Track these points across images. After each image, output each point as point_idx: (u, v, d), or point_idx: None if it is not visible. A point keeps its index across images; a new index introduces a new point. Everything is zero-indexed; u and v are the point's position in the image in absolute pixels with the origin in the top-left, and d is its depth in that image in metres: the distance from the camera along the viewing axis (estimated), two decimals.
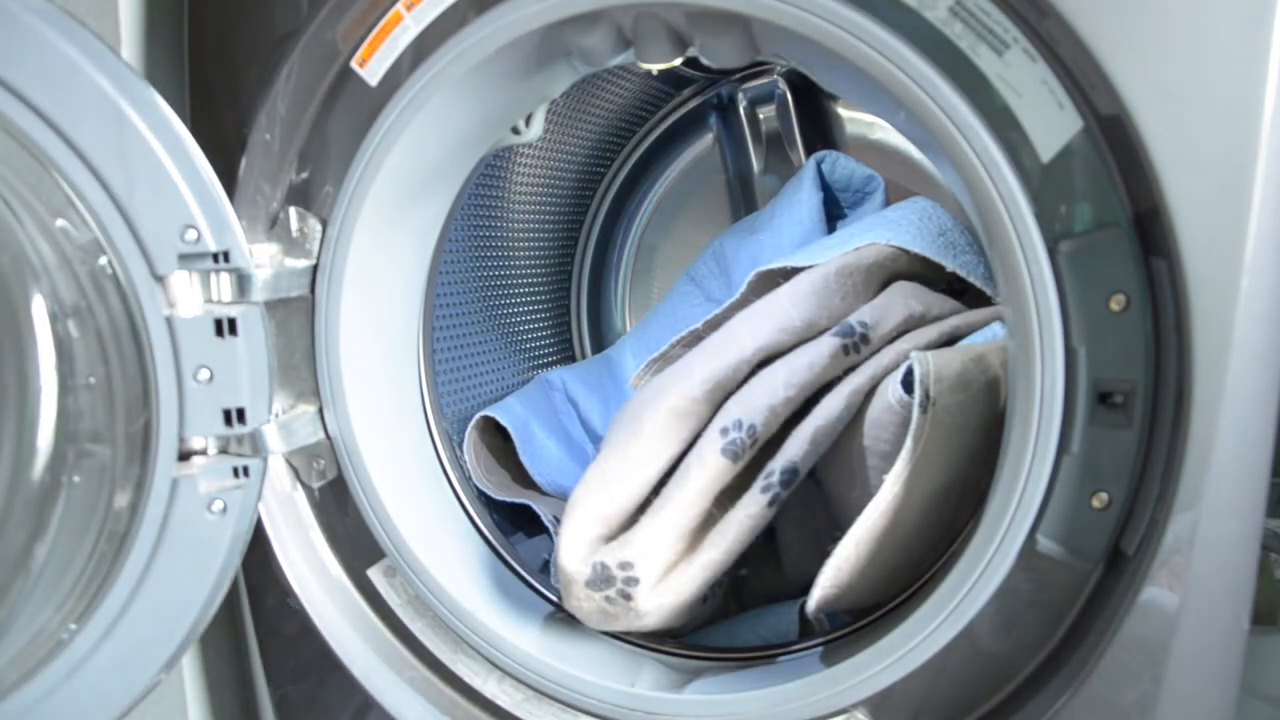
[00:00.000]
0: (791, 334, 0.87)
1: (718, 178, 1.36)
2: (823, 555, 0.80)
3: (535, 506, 1.04)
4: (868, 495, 0.77)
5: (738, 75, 1.33)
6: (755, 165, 1.26)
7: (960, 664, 0.68)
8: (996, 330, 0.85)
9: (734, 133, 1.34)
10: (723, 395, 0.86)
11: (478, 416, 1.07)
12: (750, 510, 0.82)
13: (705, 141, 1.37)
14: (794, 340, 0.87)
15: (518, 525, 1.05)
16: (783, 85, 1.31)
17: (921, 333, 0.88)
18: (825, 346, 0.85)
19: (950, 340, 0.88)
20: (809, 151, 1.26)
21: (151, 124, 0.72)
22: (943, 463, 0.75)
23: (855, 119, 1.29)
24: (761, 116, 1.25)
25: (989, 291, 0.91)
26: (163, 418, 0.76)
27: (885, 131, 1.28)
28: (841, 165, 1.19)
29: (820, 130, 1.32)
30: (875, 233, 0.95)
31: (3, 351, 0.74)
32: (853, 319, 0.87)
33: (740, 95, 1.33)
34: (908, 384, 0.80)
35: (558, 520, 0.94)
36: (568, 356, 1.38)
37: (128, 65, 0.72)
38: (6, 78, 0.69)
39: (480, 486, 1.00)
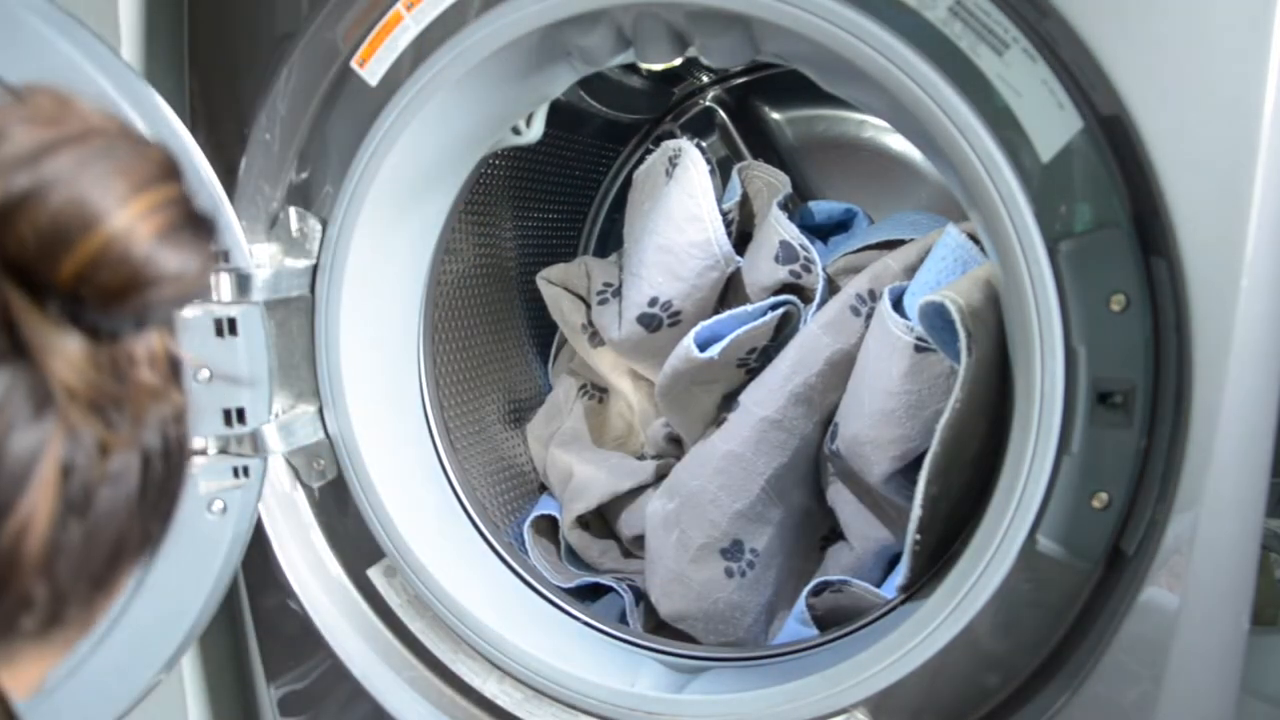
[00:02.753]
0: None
1: None
2: (881, 517, 0.90)
3: (604, 580, 1.06)
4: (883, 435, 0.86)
5: (669, 113, 1.34)
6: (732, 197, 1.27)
7: (960, 664, 0.68)
8: (951, 240, 0.89)
9: None
10: None
11: (533, 517, 1.09)
12: None
13: None
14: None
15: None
16: (718, 111, 1.33)
17: (882, 263, 0.96)
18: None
19: (912, 268, 0.95)
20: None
21: (151, 124, 0.72)
22: (981, 385, 0.77)
23: (845, 118, 1.30)
24: (705, 145, 1.30)
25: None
26: None
27: (875, 130, 1.28)
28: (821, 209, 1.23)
29: (765, 141, 1.33)
30: None
31: None
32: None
33: (678, 131, 1.34)
34: (897, 308, 0.88)
35: (630, 587, 1.03)
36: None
37: (128, 65, 0.72)
38: (7, 79, 0.69)
39: (555, 582, 1.00)
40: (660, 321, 1.05)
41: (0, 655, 0.33)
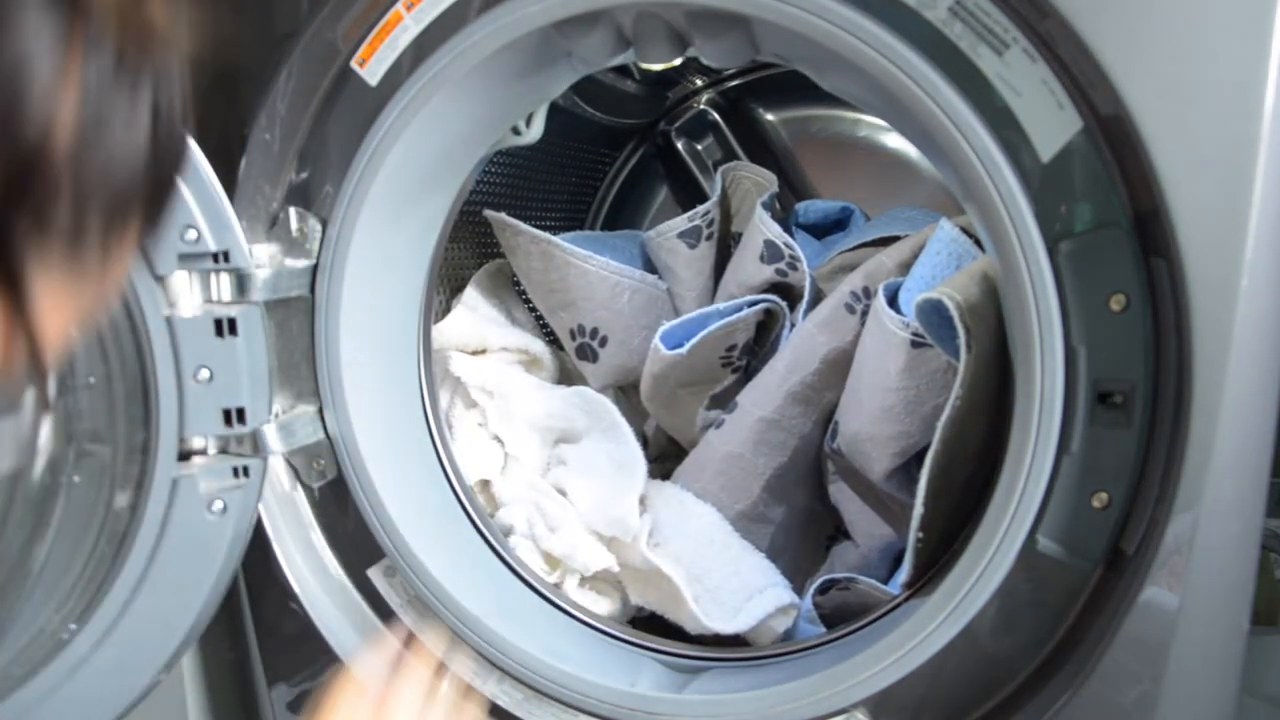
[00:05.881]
0: None
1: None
2: (885, 515, 0.90)
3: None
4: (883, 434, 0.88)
5: (663, 117, 1.35)
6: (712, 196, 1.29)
7: (960, 664, 0.68)
8: (945, 234, 0.89)
9: (680, 176, 1.36)
10: None
11: None
12: None
13: (663, 193, 1.41)
14: None
15: None
16: (712, 114, 1.34)
17: (875, 262, 0.97)
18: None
19: (905, 265, 0.95)
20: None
21: None
22: (981, 381, 0.77)
23: (840, 117, 1.30)
24: (701, 148, 1.29)
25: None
26: (163, 418, 0.76)
27: (870, 129, 1.29)
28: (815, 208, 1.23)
29: (761, 143, 1.33)
30: None
31: None
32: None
33: (673, 134, 1.34)
34: (892, 305, 0.89)
35: None
36: None
37: None
38: None
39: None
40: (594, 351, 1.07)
41: (33, 268, 0.35)
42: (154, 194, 0.40)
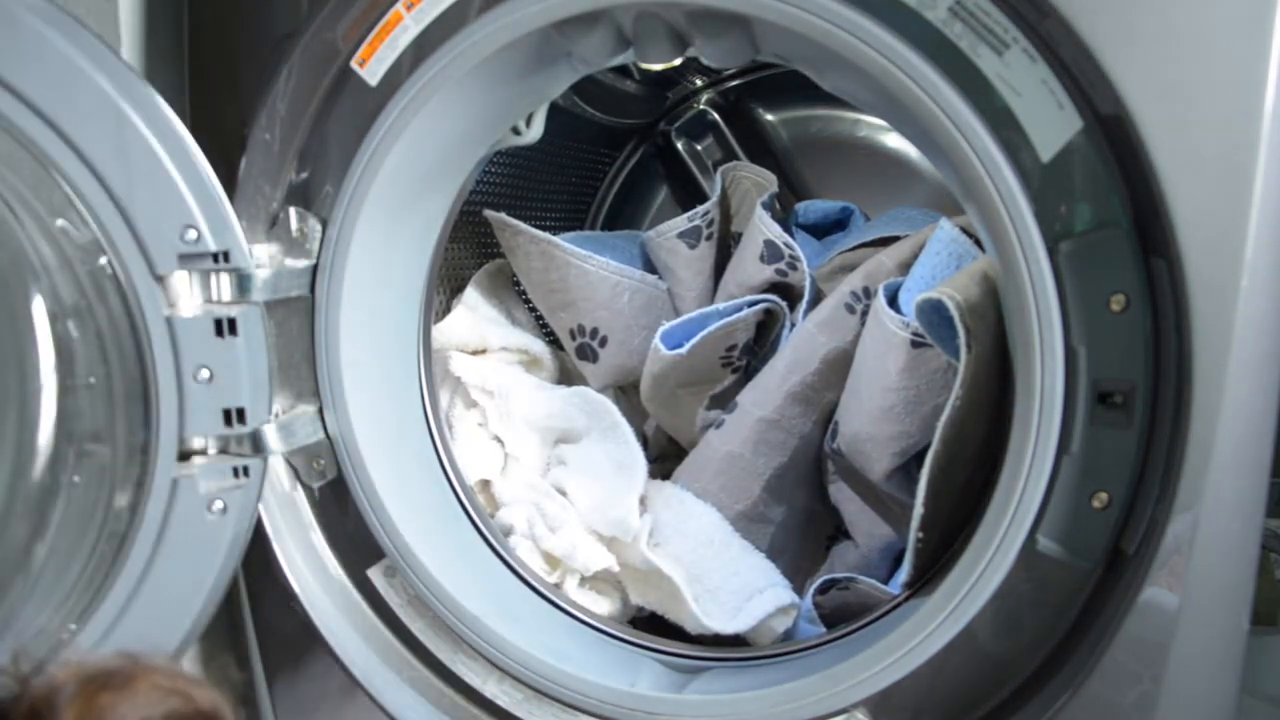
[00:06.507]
0: None
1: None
2: (885, 515, 0.92)
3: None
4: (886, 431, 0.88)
5: (663, 117, 1.35)
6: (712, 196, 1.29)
7: (960, 664, 0.68)
8: (945, 234, 0.90)
9: (680, 176, 1.37)
10: None
11: None
12: None
13: (663, 193, 1.41)
14: None
15: None
16: (712, 114, 1.34)
17: (874, 262, 0.97)
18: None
19: (904, 266, 0.95)
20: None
21: (151, 124, 0.72)
22: (981, 381, 0.77)
23: (839, 117, 1.30)
24: (701, 148, 1.28)
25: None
26: (163, 418, 0.76)
27: (870, 129, 1.29)
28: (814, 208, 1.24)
29: (761, 143, 1.34)
30: None
31: (3, 352, 0.74)
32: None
33: (673, 134, 1.35)
34: (892, 304, 0.89)
35: None
36: None
37: (128, 65, 0.72)
38: (7, 78, 0.69)
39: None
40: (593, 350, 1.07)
41: None
42: None
